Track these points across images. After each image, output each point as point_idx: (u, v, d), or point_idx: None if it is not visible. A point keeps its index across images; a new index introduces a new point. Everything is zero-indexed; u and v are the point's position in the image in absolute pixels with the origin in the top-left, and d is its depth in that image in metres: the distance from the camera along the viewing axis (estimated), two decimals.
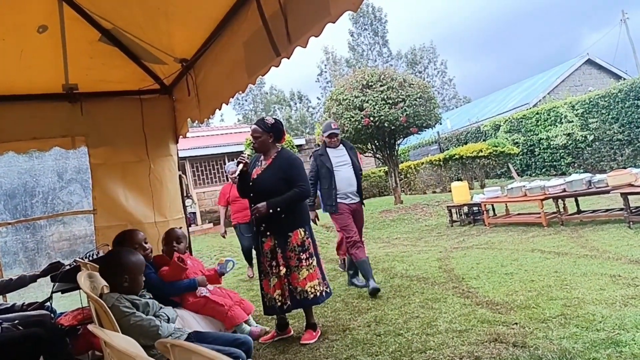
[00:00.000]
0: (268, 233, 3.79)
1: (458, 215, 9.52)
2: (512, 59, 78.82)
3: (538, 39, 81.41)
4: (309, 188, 3.85)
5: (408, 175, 16.73)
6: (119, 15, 3.44)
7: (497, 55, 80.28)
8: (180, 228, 4.66)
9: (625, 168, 9.57)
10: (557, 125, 15.59)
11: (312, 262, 3.82)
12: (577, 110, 14.85)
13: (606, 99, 14.06)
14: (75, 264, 3.63)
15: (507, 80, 70.84)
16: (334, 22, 2.16)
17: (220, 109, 3.71)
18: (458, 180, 13.11)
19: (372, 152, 14.33)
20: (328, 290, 3.94)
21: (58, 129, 4.26)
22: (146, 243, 3.49)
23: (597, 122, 14.35)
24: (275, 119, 3.97)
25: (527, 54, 78.24)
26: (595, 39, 72.60)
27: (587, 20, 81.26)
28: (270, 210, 3.66)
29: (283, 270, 3.73)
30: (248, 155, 3.90)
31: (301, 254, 3.76)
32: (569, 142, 15.25)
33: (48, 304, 3.69)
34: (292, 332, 4.08)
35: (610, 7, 76.14)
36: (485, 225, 8.48)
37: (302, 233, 3.81)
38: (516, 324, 3.43)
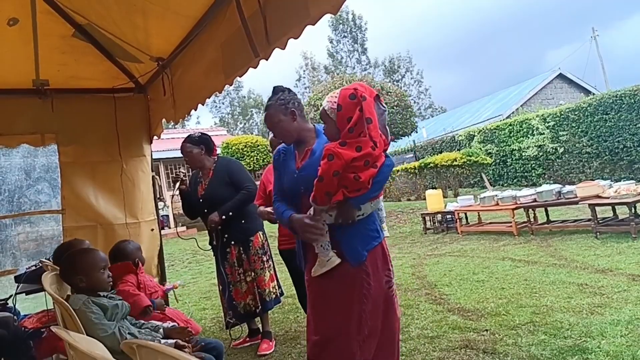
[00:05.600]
0: (232, 242, 3.77)
1: (432, 223, 9.62)
2: (485, 71, 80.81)
3: (509, 53, 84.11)
4: (255, 187, 3.78)
5: None
6: (93, 11, 3.36)
7: (470, 67, 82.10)
8: (153, 230, 4.60)
9: (593, 180, 9.86)
10: (529, 137, 15.94)
11: (271, 264, 3.91)
12: (548, 122, 15.22)
13: (576, 113, 14.46)
14: (40, 264, 3.51)
15: (481, 91, 72.50)
16: (313, 25, 2.16)
17: (195, 110, 3.67)
18: (432, 188, 13.25)
19: None
20: (281, 291, 4.02)
21: (27, 125, 4.13)
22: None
23: (567, 134, 14.72)
24: (201, 132, 4.03)
25: (498, 68, 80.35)
26: (557, 54, 75.89)
27: (549, 37, 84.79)
28: (224, 217, 3.64)
29: (251, 274, 3.76)
30: (184, 173, 3.92)
31: (263, 256, 3.83)
32: (540, 154, 15.60)
33: (11, 305, 3.56)
34: None
35: (571, 25, 79.67)
36: (458, 233, 8.58)
37: (262, 236, 3.88)
38: (486, 330, 3.47)
